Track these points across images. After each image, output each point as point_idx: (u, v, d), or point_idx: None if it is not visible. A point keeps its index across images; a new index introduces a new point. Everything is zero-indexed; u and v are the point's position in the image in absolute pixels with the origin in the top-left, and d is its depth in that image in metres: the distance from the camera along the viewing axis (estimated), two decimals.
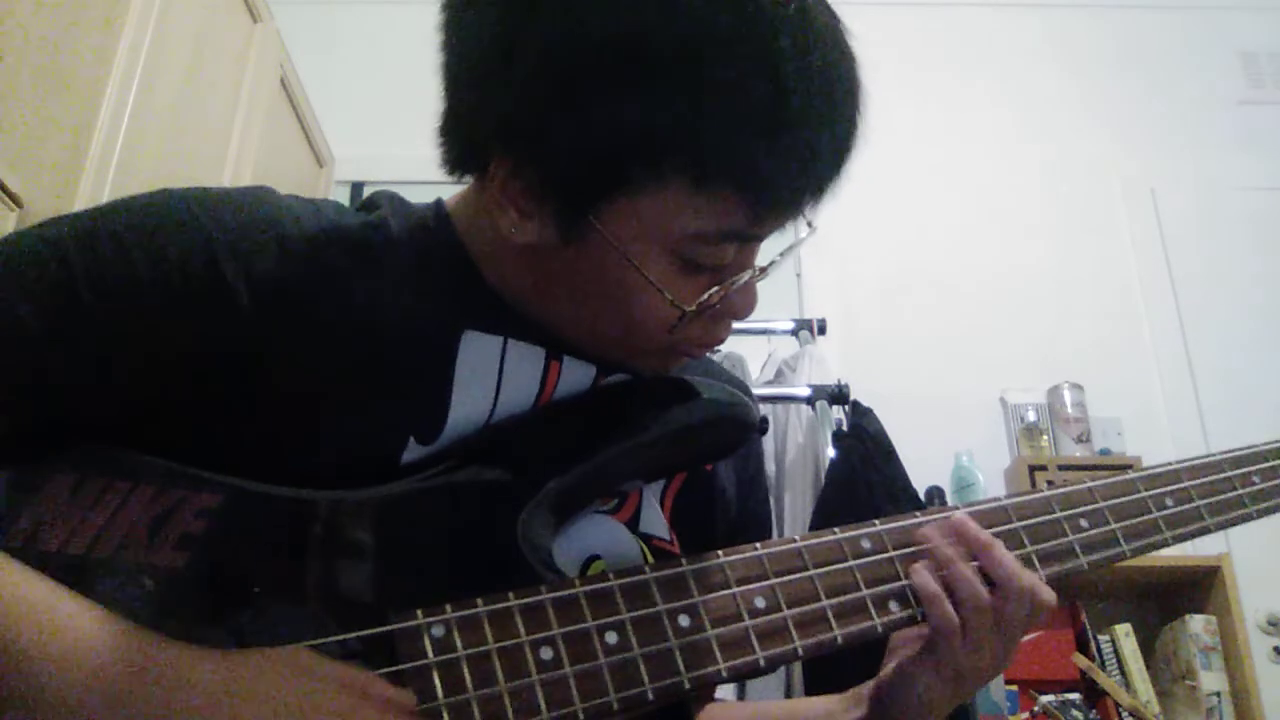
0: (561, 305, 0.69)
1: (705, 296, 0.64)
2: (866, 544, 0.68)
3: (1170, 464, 0.80)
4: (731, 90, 0.58)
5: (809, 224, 0.69)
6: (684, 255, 0.63)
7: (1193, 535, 0.77)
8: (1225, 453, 0.82)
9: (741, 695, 1.96)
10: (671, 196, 0.61)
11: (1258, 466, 0.82)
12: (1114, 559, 0.73)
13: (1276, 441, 0.84)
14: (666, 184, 0.60)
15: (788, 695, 1.97)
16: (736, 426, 0.72)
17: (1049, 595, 0.68)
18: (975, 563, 0.68)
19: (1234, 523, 0.79)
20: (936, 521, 0.70)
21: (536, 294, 0.70)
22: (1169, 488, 0.78)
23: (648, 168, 0.60)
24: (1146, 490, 0.77)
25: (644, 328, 0.66)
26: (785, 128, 0.59)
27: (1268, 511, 0.80)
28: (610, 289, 0.65)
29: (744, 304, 0.68)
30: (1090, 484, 0.76)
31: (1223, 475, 0.80)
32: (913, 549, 0.69)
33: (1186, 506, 0.78)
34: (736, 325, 0.72)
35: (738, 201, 0.61)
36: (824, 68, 0.60)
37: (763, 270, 0.68)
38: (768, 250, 0.70)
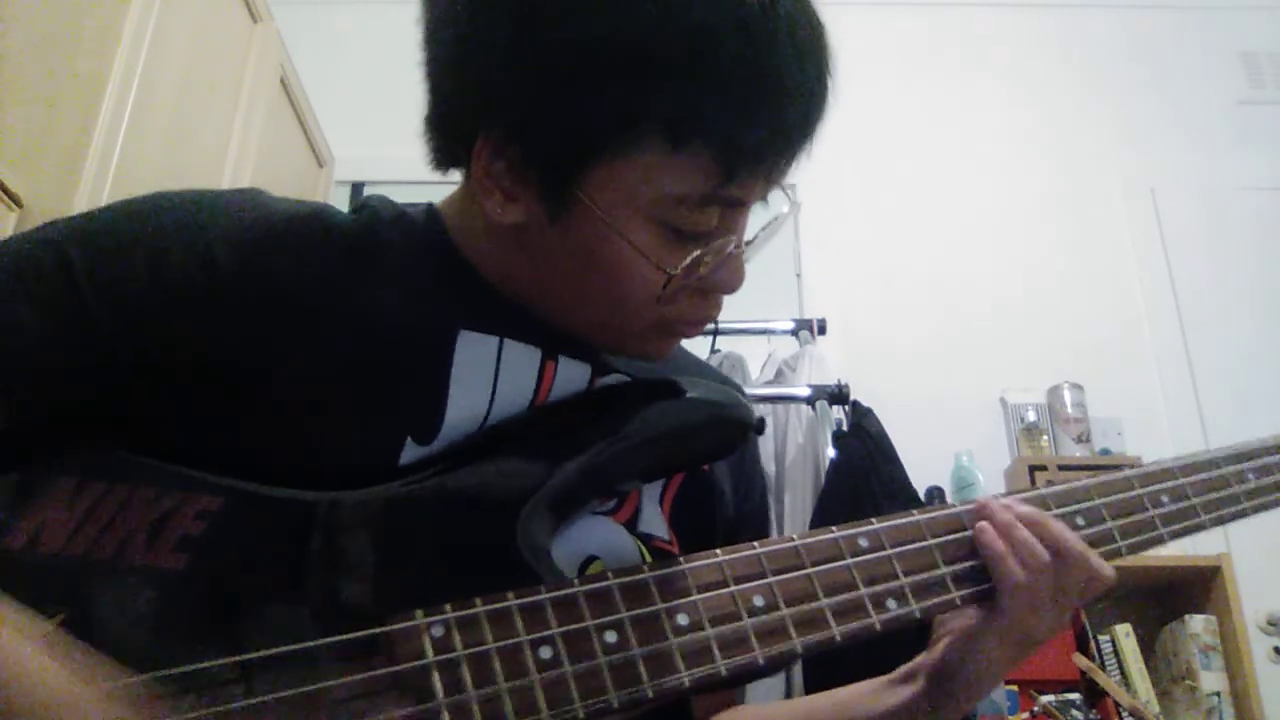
0: (551, 288, 0.70)
1: (689, 260, 0.65)
2: (864, 542, 0.68)
3: (1165, 461, 0.80)
4: (700, 48, 0.60)
5: (791, 200, 0.69)
6: (667, 222, 0.64)
7: (1189, 532, 0.77)
8: (1220, 450, 0.82)
9: (741, 698, 1.95)
10: (650, 160, 0.62)
11: (1252, 464, 0.81)
12: (1110, 557, 0.73)
13: (1271, 437, 0.84)
14: (644, 147, 0.62)
15: (788, 697, 1.97)
16: (734, 426, 0.72)
17: (1107, 569, 0.70)
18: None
19: (1229, 519, 0.79)
20: (986, 502, 0.71)
21: (527, 281, 0.70)
22: (1164, 485, 0.78)
23: (625, 132, 0.61)
24: (1142, 488, 0.77)
25: (632, 301, 0.67)
26: (753, 80, 0.61)
27: (1263, 508, 0.80)
28: (597, 262, 0.66)
29: (731, 278, 0.69)
30: (1086, 481, 0.76)
31: (1218, 472, 0.80)
32: (914, 546, 0.69)
33: (1182, 504, 0.77)
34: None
35: (711, 159, 0.62)
36: (789, 20, 0.62)
37: (748, 242, 0.69)
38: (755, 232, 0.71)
